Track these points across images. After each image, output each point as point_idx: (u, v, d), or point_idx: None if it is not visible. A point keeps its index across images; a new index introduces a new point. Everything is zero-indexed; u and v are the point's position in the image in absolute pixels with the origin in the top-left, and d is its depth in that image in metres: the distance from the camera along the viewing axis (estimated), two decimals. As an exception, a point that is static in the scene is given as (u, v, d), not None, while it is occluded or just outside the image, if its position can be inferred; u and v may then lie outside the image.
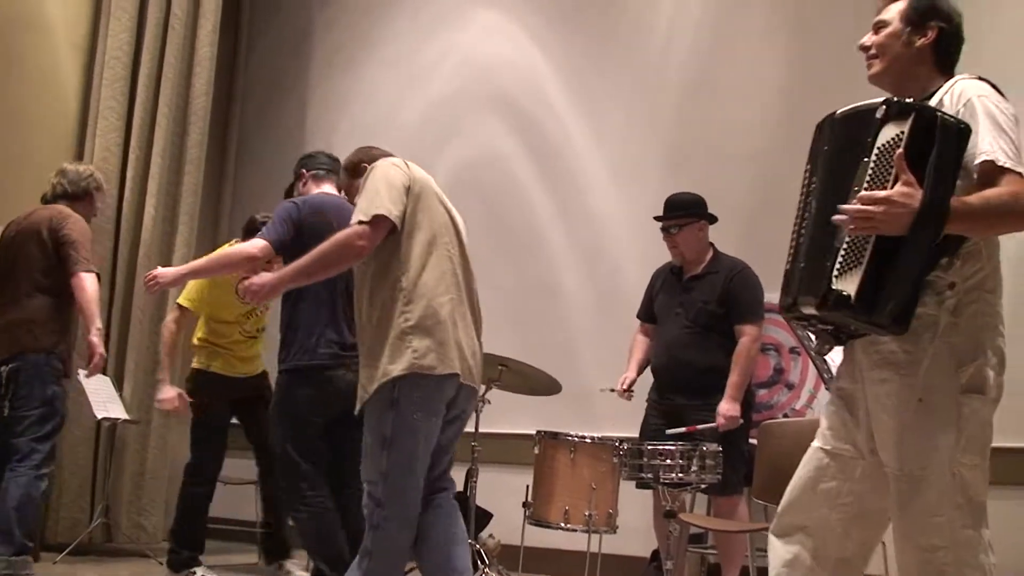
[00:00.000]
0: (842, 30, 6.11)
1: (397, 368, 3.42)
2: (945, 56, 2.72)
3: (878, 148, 2.43)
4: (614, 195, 6.72)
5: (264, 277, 3.60)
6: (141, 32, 7.04)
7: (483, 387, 4.99)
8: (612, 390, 5.07)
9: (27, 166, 6.54)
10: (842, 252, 2.41)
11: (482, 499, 5.26)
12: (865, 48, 2.79)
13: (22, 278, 5.02)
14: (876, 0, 2.84)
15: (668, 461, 4.26)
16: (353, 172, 4.01)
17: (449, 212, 3.74)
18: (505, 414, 5.63)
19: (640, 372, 5.16)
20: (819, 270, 2.45)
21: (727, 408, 4.69)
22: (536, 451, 4.86)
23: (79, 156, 6.90)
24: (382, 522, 3.45)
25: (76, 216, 5.13)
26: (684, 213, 5.03)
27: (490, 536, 6.01)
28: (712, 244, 5.10)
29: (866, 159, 2.44)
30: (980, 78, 2.62)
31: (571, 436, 4.79)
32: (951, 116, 2.45)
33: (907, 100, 2.53)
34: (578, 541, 4.90)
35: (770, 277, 5.03)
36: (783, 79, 6.29)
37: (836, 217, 2.39)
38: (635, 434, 5.01)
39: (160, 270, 4.35)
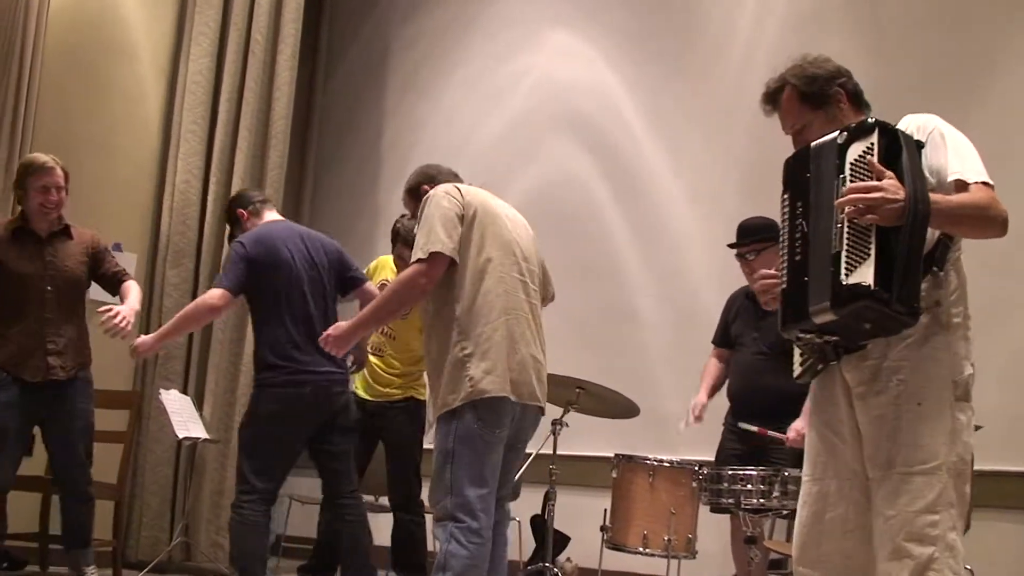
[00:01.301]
0: (920, 54, 6.03)
1: (457, 399, 3.55)
2: (859, 99, 2.99)
3: (849, 163, 2.59)
4: (690, 217, 6.67)
5: (341, 327, 3.79)
6: (222, 57, 7.17)
7: (561, 410, 4.97)
8: (687, 424, 5.02)
9: (110, 189, 6.71)
10: (845, 252, 2.52)
11: (560, 522, 5.23)
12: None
13: None
14: (762, 108, 3.08)
15: (749, 486, 4.21)
16: (414, 194, 4.05)
17: (506, 233, 3.78)
18: (583, 437, 5.58)
19: (711, 396, 5.10)
20: (825, 276, 2.56)
21: (800, 425, 4.61)
22: (614, 474, 4.82)
23: (160, 180, 7.03)
24: (453, 535, 3.49)
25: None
26: (760, 238, 4.96)
27: (568, 560, 5.98)
28: None
29: (841, 175, 2.59)
30: None
31: (649, 460, 4.75)
32: (901, 130, 2.66)
33: (864, 120, 2.70)
34: (657, 566, 4.85)
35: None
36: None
37: (838, 201, 2.53)
38: (713, 458, 4.95)
39: (139, 340, 4.69)
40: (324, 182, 8.39)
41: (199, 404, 6.69)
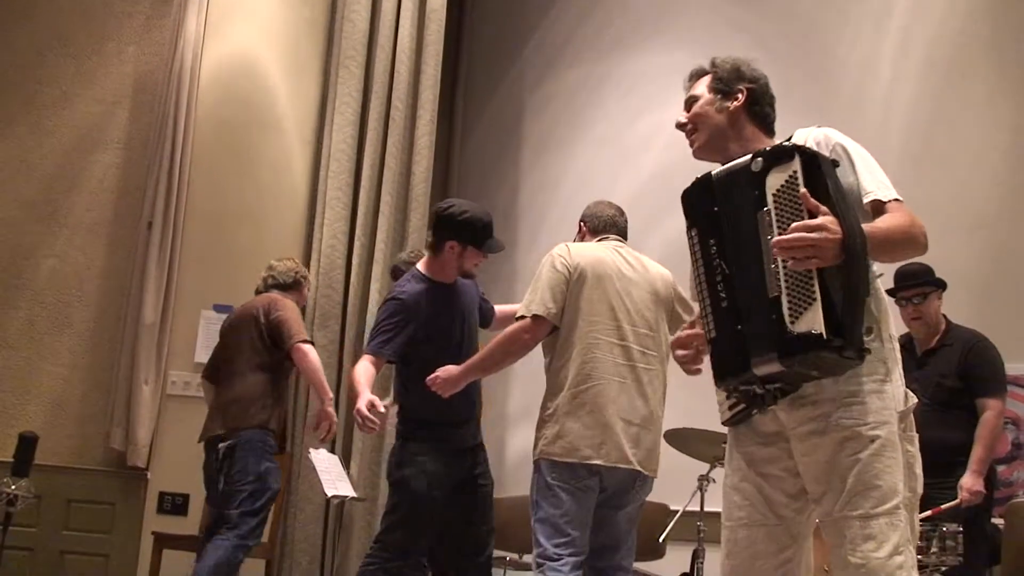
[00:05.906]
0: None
1: (535, 454, 3.90)
2: (761, 114, 2.86)
3: (772, 195, 2.42)
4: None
5: (451, 370, 4.00)
6: (364, 125, 7.36)
7: (708, 465, 4.93)
8: None
9: (260, 257, 6.88)
10: (787, 297, 2.35)
11: (708, 580, 5.16)
12: (682, 126, 2.94)
13: (237, 359, 5.40)
14: (684, 83, 3.01)
15: (906, 542, 4.09)
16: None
17: (611, 297, 3.90)
18: (728, 493, 5.52)
19: None
20: (766, 325, 2.39)
21: (971, 482, 4.48)
22: (763, 531, 4.74)
23: (307, 246, 7.23)
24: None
25: (286, 300, 5.50)
26: (924, 281, 4.85)
27: (716, 618, 5.87)
28: (944, 315, 4.91)
29: (765, 208, 2.42)
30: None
31: (800, 515, 4.66)
32: (818, 151, 2.53)
33: (780, 143, 2.57)
34: (810, 625, 4.74)
35: (1006, 347, 4.81)
36: (1009, 144, 6.07)
37: (778, 240, 2.33)
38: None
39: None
40: (463, 243, 8.52)
41: (346, 463, 6.81)
